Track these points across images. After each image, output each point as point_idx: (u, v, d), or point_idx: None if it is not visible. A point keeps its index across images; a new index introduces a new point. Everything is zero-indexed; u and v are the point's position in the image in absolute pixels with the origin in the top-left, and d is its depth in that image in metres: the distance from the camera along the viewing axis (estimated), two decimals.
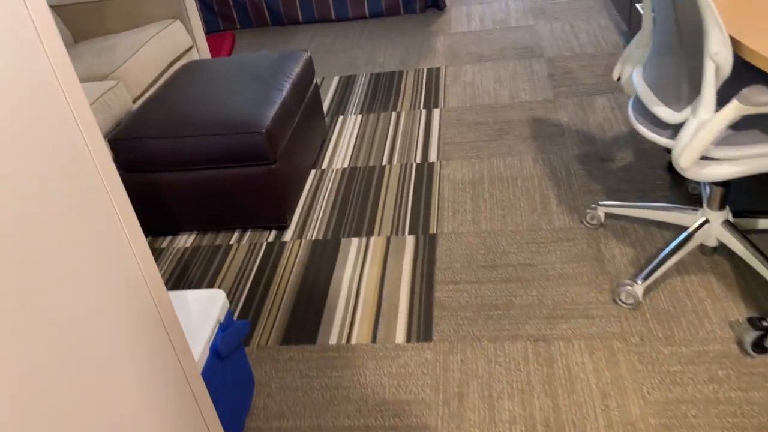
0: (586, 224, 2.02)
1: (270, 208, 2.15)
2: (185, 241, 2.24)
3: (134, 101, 2.54)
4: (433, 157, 2.53)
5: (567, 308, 1.74)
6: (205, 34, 4.31)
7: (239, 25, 4.30)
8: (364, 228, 2.17)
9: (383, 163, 2.54)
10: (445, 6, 4.08)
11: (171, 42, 2.87)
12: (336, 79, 3.36)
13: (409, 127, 2.78)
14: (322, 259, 2.05)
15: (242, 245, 2.18)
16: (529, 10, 3.88)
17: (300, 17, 4.20)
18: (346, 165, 2.57)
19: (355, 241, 2.12)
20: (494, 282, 1.86)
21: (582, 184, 2.23)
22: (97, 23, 3.03)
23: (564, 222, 2.06)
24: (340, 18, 4.17)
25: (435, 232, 2.11)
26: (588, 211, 2.02)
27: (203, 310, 1.41)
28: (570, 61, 3.16)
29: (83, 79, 2.44)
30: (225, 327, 1.42)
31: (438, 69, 3.30)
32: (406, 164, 2.51)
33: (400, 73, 3.32)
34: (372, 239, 2.11)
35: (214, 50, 3.88)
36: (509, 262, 1.93)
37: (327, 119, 2.94)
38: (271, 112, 2.09)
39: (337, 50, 3.74)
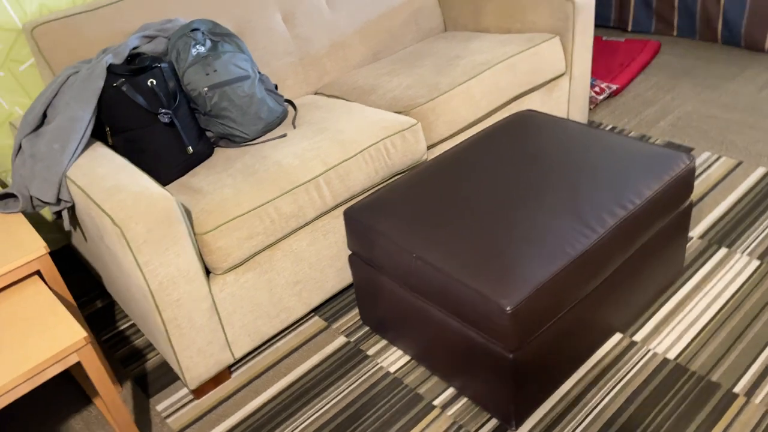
0: None
1: (496, 397, 1.41)
2: (395, 360, 1.68)
3: (431, 147, 1.98)
4: None
5: None
6: (630, 31, 3.35)
7: (677, 32, 3.19)
8: None
9: (734, 387, 1.45)
10: None
11: (533, 67, 2.14)
12: (759, 173, 2.14)
13: None
14: None
15: (444, 417, 1.50)
16: None
17: (767, 44, 2.86)
18: (674, 353, 1.56)
19: None
20: None
21: None
22: (472, 15, 2.48)
23: None
24: None
25: None
26: None
27: None
28: None
29: (389, 103, 1.97)
30: None
31: None
32: None
33: None
34: None
35: (622, 59, 2.95)
36: None
37: (697, 244, 1.87)
38: (546, 276, 1.28)
39: None
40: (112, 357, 1.86)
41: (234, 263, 1.57)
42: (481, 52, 2.16)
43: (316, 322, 1.85)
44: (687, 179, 1.57)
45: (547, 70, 2.19)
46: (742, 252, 1.83)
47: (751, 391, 1.44)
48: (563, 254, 1.32)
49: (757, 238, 1.87)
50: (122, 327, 1.96)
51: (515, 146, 1.70)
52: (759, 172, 2.15)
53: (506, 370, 1.32)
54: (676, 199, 1.56)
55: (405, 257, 1.44)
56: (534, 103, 2.23)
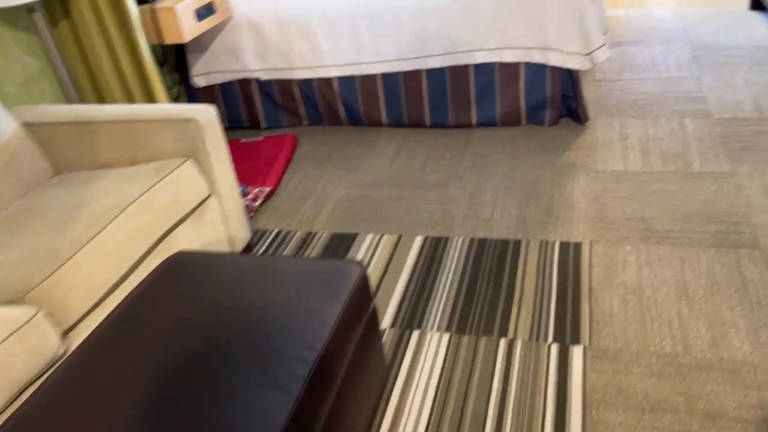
0: None
1: None
2: None
3: (71, 329, 1.56)
4: None
5: None
6: (264, 128, 3.37)
7: (307, 121, 3.32)
8: None
9: None
10: (587, 119, 2.89)
11: (173, 198, 1.89)
12: (418, 243, 2.26)
13: (528, 381, 1.62)
14: None
15: None
16: (719, 140, 2.60)
17: (384, 119, 3.16)
18: None
19: None
20: None
21: None
22: (87, 150, 2.12)
23: None
24: (436, 124, 3.09)
25: None
26: None
27: None
28: None
29: None
30: None
31: (578, 247, 2.11)
32: None
33: (517, 245, 2.17)
34: None
35: (266, 158, 2.92)
36: None
37: (391, 335, 1.84)
38: None
39: (427, 182, 2.64)
40: None
41: None
42: (107, 195, 1.83)
43: None
44: (363, 286, 1.49)
45: (189, 197, 1.97)
46: (431, 328, 1.86)
47: None
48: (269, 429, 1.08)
49: (438, 311, 1.93)
50: None
51: (173, 304, 1.41)
52: (418, 241, 2.27)
53: None
54: (360, 310, 1.47)
55: None
56: (186, 235, 1.98)
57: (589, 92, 3.18)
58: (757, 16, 3.79)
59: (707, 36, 3.62)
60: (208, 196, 2.08)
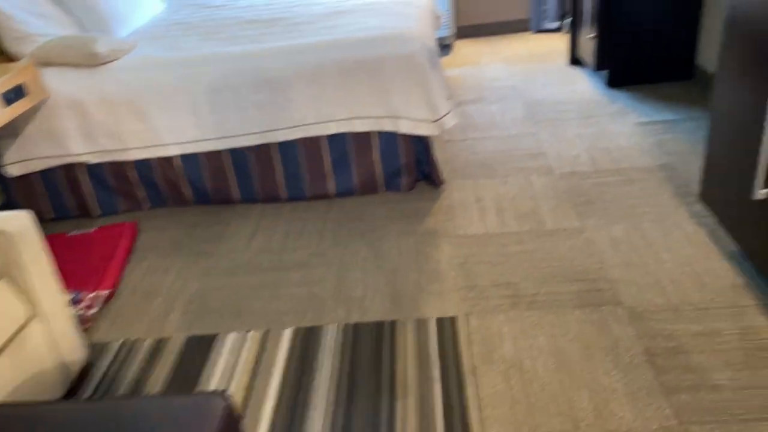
0: None
1: None
2: None
3: None
4: None
5: None
6: (98, 216, 3.00)
7: (148, 204, 3.01)
8: None
9: None
10: (441, 182, 2.90)
11: None
12: (288, 337, 2.06)
13: None
14: None
15: None
16: (564, 195, 2.72)
17: (235, 196, 2.94)
18: None
19: None
20: None
21: None
22: None
23: None
24: (293, 198, 2.94)
25: None
26: None
27: None
28: (670, 321, 1.96)
29: None
30: None
31: (453, 322, 2.05)
32: None
33: (392, 327, 2.06)
34: None
35: (101, 253, 2.57)
36: None
37: None
38: None
39: (289, 262, 2.47)
40: None
41: None
42: None
43: None
44: (230, 424, 1.28)
45: (1, 326, 1.62)
46: None
47: None
48: None
49: (318, 422, 1.74)
50: None
51: None
52: (287, 335, 2.07)
53: None
54: None
55: None
56: (3, 373, 1.62)
57: (440, 155, 3.23)
58: (576, 71, 4.15)
59: (536, 92, 3.88)
60: (29, 319, 1.74)
